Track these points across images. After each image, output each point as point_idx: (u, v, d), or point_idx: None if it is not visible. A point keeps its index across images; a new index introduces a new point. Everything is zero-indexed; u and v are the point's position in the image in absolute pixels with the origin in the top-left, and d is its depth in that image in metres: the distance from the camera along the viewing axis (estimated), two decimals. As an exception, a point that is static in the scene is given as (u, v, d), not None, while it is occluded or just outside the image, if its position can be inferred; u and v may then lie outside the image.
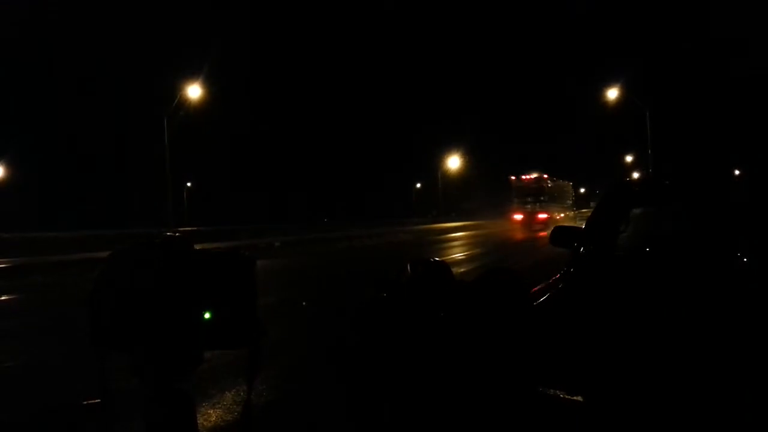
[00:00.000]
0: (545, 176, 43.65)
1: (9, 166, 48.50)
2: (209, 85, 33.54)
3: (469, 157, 70.11)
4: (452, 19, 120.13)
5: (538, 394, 2.99)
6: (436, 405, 3.06)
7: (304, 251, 25.60)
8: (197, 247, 2.89)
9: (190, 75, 32.71)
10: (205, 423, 4.66)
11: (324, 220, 56.66)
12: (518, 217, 41.53)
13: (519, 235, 36.07)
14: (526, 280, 3.77)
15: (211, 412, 4.96)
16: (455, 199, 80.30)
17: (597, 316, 3.49)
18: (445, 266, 3.63)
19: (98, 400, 2.77)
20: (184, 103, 32.45)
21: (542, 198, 41.63)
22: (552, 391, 2.99)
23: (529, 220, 39.84)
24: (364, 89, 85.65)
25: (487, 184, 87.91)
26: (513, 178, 43.71)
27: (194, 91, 32.40)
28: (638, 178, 16.19)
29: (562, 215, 42.49)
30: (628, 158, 65.72)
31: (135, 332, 2.53)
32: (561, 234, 4.87)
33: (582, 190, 66.71)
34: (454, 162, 69.19)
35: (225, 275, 2.67)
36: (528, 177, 42.84)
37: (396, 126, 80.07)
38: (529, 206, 41.25)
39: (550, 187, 43.53)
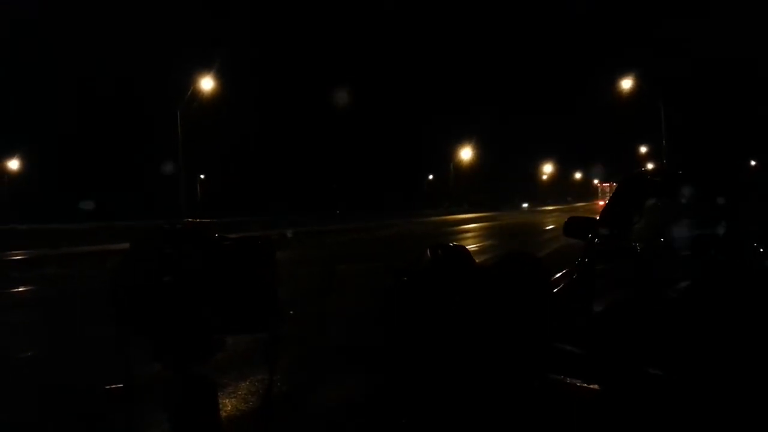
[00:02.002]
0: (614, 183, 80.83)
1: (21, 158, 48.92)
2: (220, 78, 33.75)
3: (480, 149, 71.67)
4: (460, 14, 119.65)
5: (553, 381, 3.00)
6: (456, 390, 3.08)
7: (317, 243, 25.64)
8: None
9: (203, 68, 32.91)
10: (220, 412, 4.69)
11: (336, 212, 56.64)
12: (602, 203, 77.99)
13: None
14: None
15: (227, 401, 4.99)
16: (467, 190, 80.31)
17: (608, 306, 3.48)
18: (465, 250, 3.61)
19: (121, 385, 2.81)
20: (196, 95, 32.64)
21: None
22: (568, 379, 2.99)
23: None
24: (374, 81, 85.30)
25: (499, 176, 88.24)
26: (599, 183, 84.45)
27: (207, 84, 32.60)
28: (652, 169, 16.10)
29: None
30: (643, 149, 67.66)
31: (156, 316, 2.56)
32: (574, 225, 4.86)
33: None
34: (466, 154, 69.43)
35: (246, 260, 2.69)
36: (606, 183, 78.54)
37: (407, 119, 79.79)
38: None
39: None
